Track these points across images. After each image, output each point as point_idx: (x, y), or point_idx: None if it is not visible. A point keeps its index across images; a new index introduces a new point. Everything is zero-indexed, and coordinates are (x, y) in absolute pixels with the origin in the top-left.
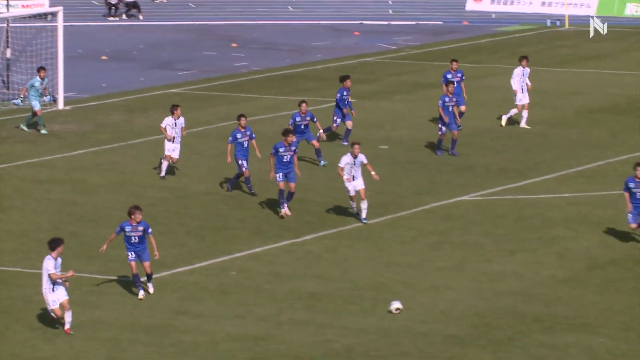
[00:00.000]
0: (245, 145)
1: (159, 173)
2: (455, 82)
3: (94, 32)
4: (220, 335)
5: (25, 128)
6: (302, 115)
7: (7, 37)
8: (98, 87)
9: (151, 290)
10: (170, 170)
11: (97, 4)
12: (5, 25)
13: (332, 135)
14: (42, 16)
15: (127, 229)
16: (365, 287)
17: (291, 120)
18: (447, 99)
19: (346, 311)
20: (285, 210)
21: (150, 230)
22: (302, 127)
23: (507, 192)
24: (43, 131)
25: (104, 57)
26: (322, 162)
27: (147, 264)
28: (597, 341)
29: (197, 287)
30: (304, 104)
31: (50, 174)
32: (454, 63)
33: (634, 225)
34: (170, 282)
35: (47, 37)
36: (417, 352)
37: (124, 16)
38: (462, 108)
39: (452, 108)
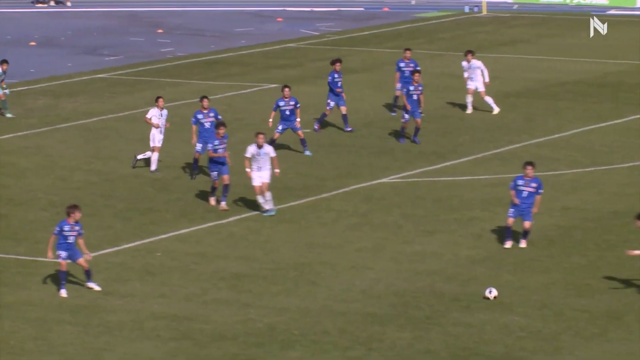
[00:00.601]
0: (207, 126)
1: (150, 168)
2: (407, 72)
3: (22, 18)
4: (146, 314)
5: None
6: (286, 99)
7: None
8: (26, 72)
9: (97, 288)
10: (98, 152)
11: None
12: None
13: (325, 122)
14: None
15: (66, 228)
16: (287, 268)
17: (275, 106)
18: (412, 88)
19: (269, 291)
20: (221, 204)
21: (82, 232)
22: (287, 112)
23: (426, 175)
24: (8, 114)
25: (33, 43)
26: (307, 152)
27: (81, 260)
28: (513, 319)
29: (123, 268)
30: (286, 89)
31: None
32: (408, 52)
33: (511, 220)
34: (96, 264)
35: None
36: (337, 331)
37: (52, 3)
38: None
39: (418, 96)
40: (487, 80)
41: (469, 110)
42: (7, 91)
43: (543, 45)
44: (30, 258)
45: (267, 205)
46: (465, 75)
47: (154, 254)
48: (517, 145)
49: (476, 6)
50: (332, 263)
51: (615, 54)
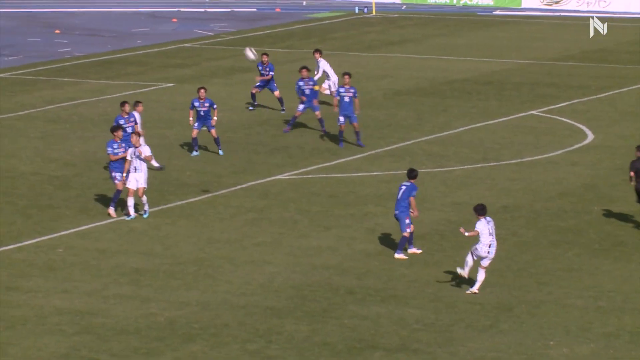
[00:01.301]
0: (202, 114)
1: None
2: (307, 90)
3: None
4: (48, 309)
5: None
6: (201, 101)
7: None
8: None
9: None
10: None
11: None
12: None
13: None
14: None
15: None
16: (186, 262)
17: (191, 105)
18: (342, 90)
19: (169, 285)
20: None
21: None
22: (202, 112)
23: (321, 171)
24: None
25: None
26: (221, 152)
27: None
28: (407, 312)
29: (25, 264)
30: (202, 90)
31: None
32: (304, 71)
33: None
34: None
35: None
36: (237, 324)
37: None
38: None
39: (351, 99)
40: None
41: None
42: None
43: (431, 44)
44: None
45: (132, 211)
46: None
47: (56, 250)
48: (408, 142)
49: (366, 7)
50: (231, 257)
51: (500, 53)
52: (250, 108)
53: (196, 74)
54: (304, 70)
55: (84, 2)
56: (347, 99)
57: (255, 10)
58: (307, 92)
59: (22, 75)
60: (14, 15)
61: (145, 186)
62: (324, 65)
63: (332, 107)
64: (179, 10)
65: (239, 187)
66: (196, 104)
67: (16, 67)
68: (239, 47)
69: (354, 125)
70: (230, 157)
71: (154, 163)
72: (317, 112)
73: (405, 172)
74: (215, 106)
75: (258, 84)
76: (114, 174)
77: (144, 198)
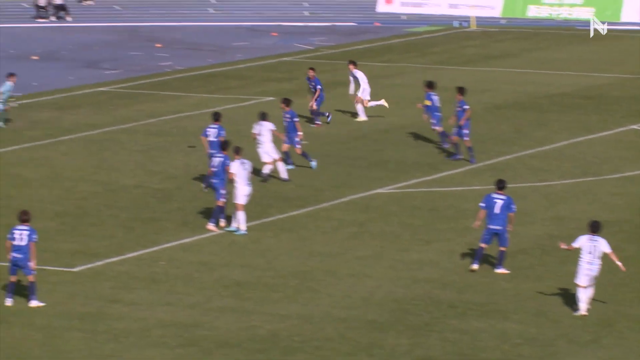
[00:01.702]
0: (286, 125)
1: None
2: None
3: (24, 33)
4: (152, 322)
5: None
6: (284, 111)
7: None
8: (29, 85)
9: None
10: (101, 164)
11: (27, 6)
12: None
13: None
14: None
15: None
16: (288, 276)
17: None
18: (458, 105)
19: (270, 298)
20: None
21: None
22: (284, 124)
23: (422, 185)
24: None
25: (35, 57)
26: (313, 165)
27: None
28: (509, 326)
29: (128, 277)
30: (282, 104)
31: None
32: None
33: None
34: (102, 272)
35: None
36: (338, 337)
37: (52, 18)
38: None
39: (461, 113)
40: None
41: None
42: (15, 104)
43: (530, 58)
44: (38, 267)
45: (236, 224)
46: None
47: (158, 263)
48: (509, 156)
49: (465, 21)
50: (332, 271)
51: (600, 67)
52: (324, 120)
53: (296, 88)
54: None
55: (185, 17)
56: (458, 114)
57: (354, 24)
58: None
59: (123, 89)
60: (116, 29)
61: (243, 202)
62: (360, 76)
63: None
64: (279, 25)
65: (339, 200)
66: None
67: (118, 80)
68: (338, 61)
69: (465, 141)
70: (330, 170)
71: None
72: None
73: (495, 184)
74: (296, 119)
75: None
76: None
77: (241, 214)
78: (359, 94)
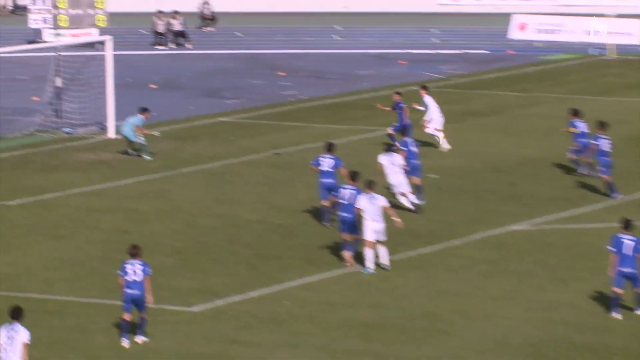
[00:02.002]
0: (326, 170)
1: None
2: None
3: (142, 60)
4: None
5: (148, 157)
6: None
7: (58, 65)
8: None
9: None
10: (221, 197)
11: (145, 32)
12: (55, 54)
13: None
14: (92, 45)
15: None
16: (417, 316)
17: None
18: (599, 138)
19: (399, 340)
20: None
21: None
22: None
23: (557, 221)
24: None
25: (153, 86)
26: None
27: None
28: None
29: (250, 316)
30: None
31: (101, 202)
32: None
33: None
34: (223, 311)
35: (96, 66)
36: None
37: (171, 45)
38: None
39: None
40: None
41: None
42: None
43: None
44: (157, 306)
45: (371, 264)
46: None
47: (281, 302)
48: None
49: (601, 49)
50: (463, 311)
51: None
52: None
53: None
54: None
55: (309, 44)
56: (604, 148)
57: (486, 51)
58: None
59: (245, 119)
60: (237, 56)
61: (371, 239)
62: (429, 102)
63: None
64: (407, 52)
65: (470, 237)
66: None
67: (239, 110)
68: (469, 90)
69: (604, 177)
70: (461, 205)
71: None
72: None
73: (621, 223)
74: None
75: (394, 125)
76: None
77: (383, 250)
78: (426, 120)
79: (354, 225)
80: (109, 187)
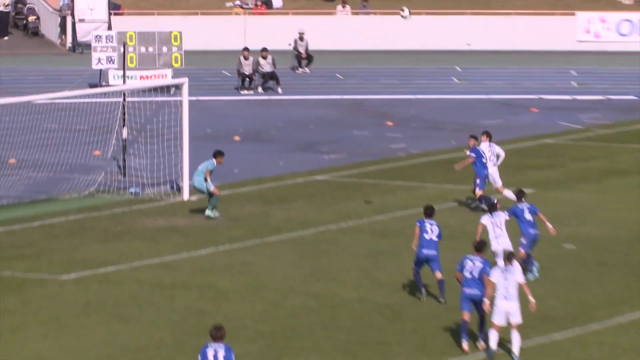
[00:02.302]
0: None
1: None
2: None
3: (224, 107)
4: None
5: (212, 214)
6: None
7: (124, 113)
8: (229, 173)
9: None
10: (316, 272)
11: (229, 74)
12: (121, 100)
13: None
14: (165, 89)
15: None
16: None
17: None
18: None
19: None
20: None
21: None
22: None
23: None
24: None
25: (237, 138)
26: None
27: None
28: None
29: None
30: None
31: (173, 277)
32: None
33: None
34: None
35: (170, 114)
36: None
37: (259, 89)
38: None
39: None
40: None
41: None
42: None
43: None
44: None
45: (494, 345)
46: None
47: None
48: None
49: None
50: None
51: None
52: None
53: (560, 178)
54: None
55: (423, 88)
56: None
57: (634, 97)
58: None
59: (345, 178)
60: (337, 103)
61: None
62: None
63: None
64: (539, 98)
65: (613, 320)
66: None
67: (338, 167)
68: (613, 143)
69: None
70: (603, 282)
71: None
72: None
73: None
74: (537, 211)
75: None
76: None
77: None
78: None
79: (481, 303)
80: (182, 259)
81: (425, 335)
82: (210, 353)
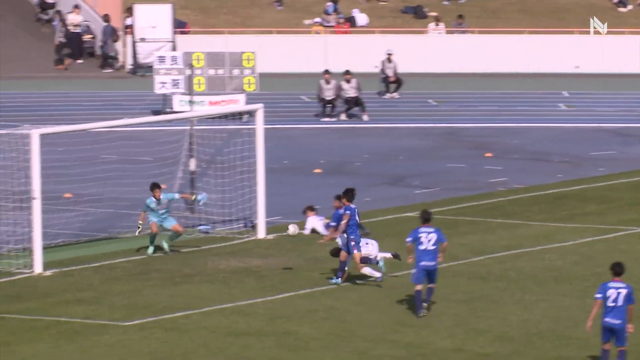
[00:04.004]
0: None
1: None
2: None
3: (303, 136)
4: None
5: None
6: None
7: (191, 143)
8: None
9: None
10: (407, 318)
11: (308, 100)
12: (189, 128)
13: None
14: (236, 116)
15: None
16: None
17: None
18: None
19: None
20: None
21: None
22: None
23: None
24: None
25: (318, 170)
26: None
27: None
28: None
29: None
30: None
31: (247, 323)
32: None
33: None
34: None
35: (242, 144)
36: None
37: (342, 116)
38: None
39: None
40: None
41: None
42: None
43: None
44: None
45: None
46: None
47: None
48: None
49: None
50: None
51: None
52: None
53: None
54: None
55: (526, 115)
56: None
57: None
58: None
59: (439, 215)
60: (429, 131)
61: None
62: None
63: None
64: None
65: None
66: None
67: (432, 202)
68: None
69: None
70: None
71: None
72: None
73: None
74: None
75: None
76: None
77: None
78: None
79: (624, 332)
80: (257, 304)
81: None
82: None
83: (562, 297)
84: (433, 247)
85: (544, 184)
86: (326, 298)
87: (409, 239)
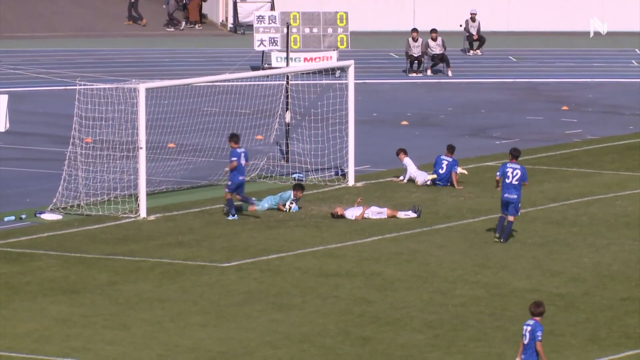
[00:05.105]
0: None
1: None
2: None
3: (391, 91)
4: None
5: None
6: None
7: (287, 97)
8: (394, 158)
9: None
10: (485, 261)
11: (396, 57)
12: (285, 82)
13: None
14: (330, 72)
15: None
16: None
17: None
18: None
19: None
20: None
21: None
22: None
23: None
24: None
25: (404, 122)
26: None
27: None
28: None
29: None
30: None
31: (337, 265)
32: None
33: None
34: None
35: (334, 98)
36: None
37: (428, 72)
38: None
39: None
40: None
41: None
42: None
43: None
44: None
45: None
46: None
47: None
48: None
49: None
50: None
51: None
52: None
53: None
54: None
55: (601, 71)
56: None
57: None
58: None
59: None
60: (510, 86)
61: None
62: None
63: None
64: None
65: None
66: None
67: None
68: None
69: None
70: None
71: None
72: None
73: None
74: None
75: None
76: None
77: None
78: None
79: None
80: (346, 247)
81: (599, 326)
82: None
83: (633, 241)
84: (516, 183)
85: (616, 135)
86: (410, 241)
87: (498, 173)
